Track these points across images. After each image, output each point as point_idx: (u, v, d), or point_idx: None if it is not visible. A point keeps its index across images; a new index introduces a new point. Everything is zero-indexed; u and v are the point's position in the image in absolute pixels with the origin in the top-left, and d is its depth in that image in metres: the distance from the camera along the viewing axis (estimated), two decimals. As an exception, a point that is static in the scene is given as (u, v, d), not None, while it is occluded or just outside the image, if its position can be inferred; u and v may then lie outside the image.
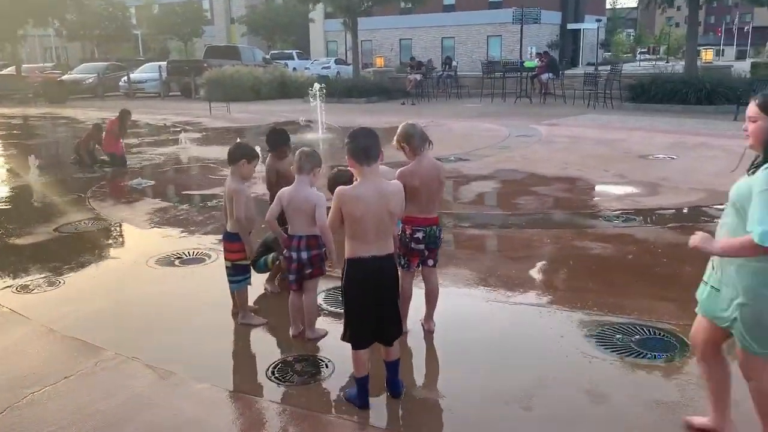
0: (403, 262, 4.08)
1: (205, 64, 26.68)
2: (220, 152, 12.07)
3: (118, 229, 6.94)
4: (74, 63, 39.11)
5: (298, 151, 3.98)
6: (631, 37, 79.64)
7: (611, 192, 8.19)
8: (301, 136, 14.36)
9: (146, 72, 29.04)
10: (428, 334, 4.18)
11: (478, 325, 4.31)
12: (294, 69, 31.92)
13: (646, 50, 78.52)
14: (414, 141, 3.96)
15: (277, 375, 3.66)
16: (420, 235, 4.02)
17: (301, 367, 3.75)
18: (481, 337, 4.12)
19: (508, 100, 21.21)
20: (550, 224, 6.74)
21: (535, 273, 5.24)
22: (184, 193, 8.71)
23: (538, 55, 23.31)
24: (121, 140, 10.85)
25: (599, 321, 4.25)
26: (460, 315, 4.45)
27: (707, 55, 20.91)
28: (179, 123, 16.98)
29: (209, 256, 5.80)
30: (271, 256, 4.62)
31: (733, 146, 11.21)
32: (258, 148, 4.48)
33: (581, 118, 16.04)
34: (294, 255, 3.93)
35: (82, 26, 41.45)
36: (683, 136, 12.59)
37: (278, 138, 5.00)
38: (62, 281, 5.26)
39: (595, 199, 7.74)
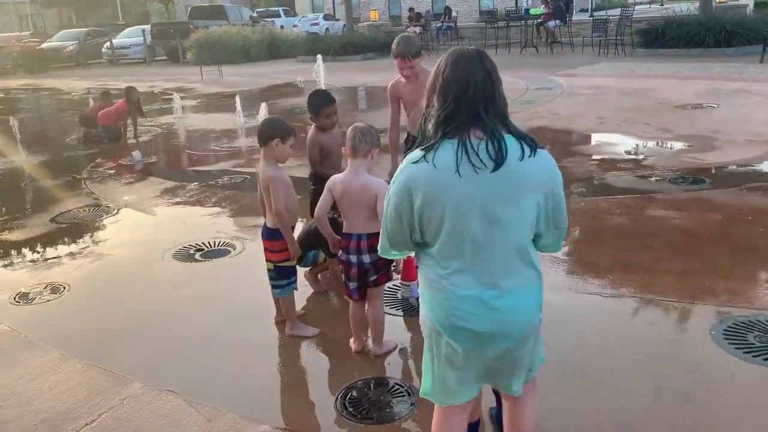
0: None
1: (192, 26, 25.38)
2: (222, 121, 11.22)
3: (123, 216, 6.13)
4: (52, 31, 37.44)
5: (350, 129, 3.19)
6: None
7: (663, 149, 7.42)
8: (302, 99, 13.47)
9: (129, 37, 27.63)
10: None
11: (570, 324, 3.58)
12: (282, 27, 30.63)
13: (638, -6, 76.59)
14: None
15: (350, 408, 2.94)
16: None
17: (377, 395, 3.02)
18: (578, 341, 3.40)
19: (513, 51, 20.20)
20: (609, 190, 5.98)
21: (618, 253, 4.49)
22: (190, 170, 7.88)
23: (544, 1, 22.18)
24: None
25: (721, 314, 3.53)
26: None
27: (721, -6, 19.85)
28: (171, 89, 15.94)
29: (234, 247, 5.04)
30: (320, 253, 3.88)
31: (773, 91, 10.45)
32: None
33: (597, 67, 15.15)
34: (353, 258, 3.18)
35: (58, -9, 39.60)
36: (715, 82, 11.76)
37: (322, 101, 4.12)
38: (67, 287, 4.48)
39: (649, 158, 6.97)
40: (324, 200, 3.20)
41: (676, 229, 4.85)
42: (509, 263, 1.98)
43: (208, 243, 5.14)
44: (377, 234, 3.15)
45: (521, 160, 1.92)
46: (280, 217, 3.36)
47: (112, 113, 9.70)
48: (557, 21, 20.16)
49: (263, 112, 9.29)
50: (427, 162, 1.92)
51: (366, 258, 3.15)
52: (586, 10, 42.19)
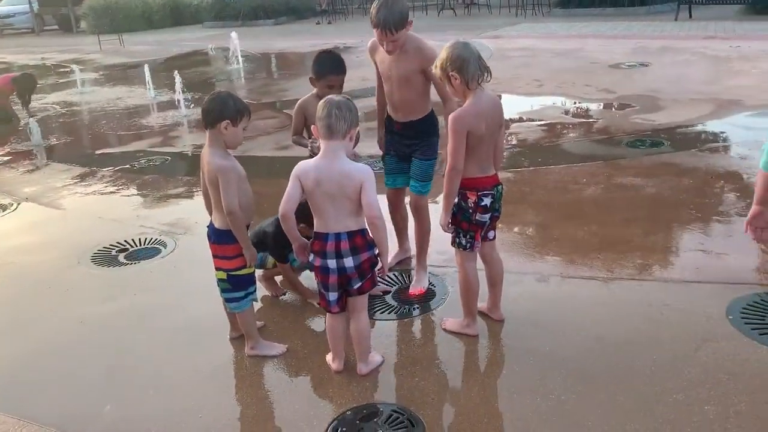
0: (464, 242, 2.89)
1: (84, -9, 23.25)
2: (130, 94, 10.17)
3: (25, 213, 5.22)
4: None
5: (323, 102, 2.56)
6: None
7: (610, 111, 7.16)
8: (218, 68, 12.50)
9: (12, 5, 25.08)
10: (499, 324, 3.12)
11: (563, 315, 3.16)
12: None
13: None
14: (470, 69, 2.68)
15: (343, 452, 2.39)
16: (488, 201, 2.84)
17: (372, 429, 2.48)
18: (580, 335, 2.98)
19: (430, 13, 19.72)
20: (570, 158, 5.62)
21: (602, 229, 4.11)
22: (100, 152, 6.93)
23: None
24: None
25: (729, 297, 3.20)
26: (534, 305, 3.30)
27: (631, -48, 19.99)
28: (66, 62, 14.45)
29: (164, 245, 4.32)
30: (268, 258, 3.27)
31: (698, 48, 10.50)
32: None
33: (519, 29, 14.91)
34: (332, 264, 2.59)
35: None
36: (640, 40, 11.74)
37: (330, 65, 3.32)
38: (-39, 307, 3.66)
39: (599, 120, 6.69)
40: (291, 192, 2.56)
41: (654, 199, 4.53)
42: None
43: (133, 241, 4.39)
44: (359, 232, 2.61)
45: None
46: (232, 216, 2.72)
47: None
48: (474, -18, 19.76)
49: (178, 83, 8.37)
50: None
51: (348, 262, 2.58)
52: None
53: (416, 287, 3.49)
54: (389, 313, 3.31)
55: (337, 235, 2.58)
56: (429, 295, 3.44)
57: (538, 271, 3.63)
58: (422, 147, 3.39)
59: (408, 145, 3.41)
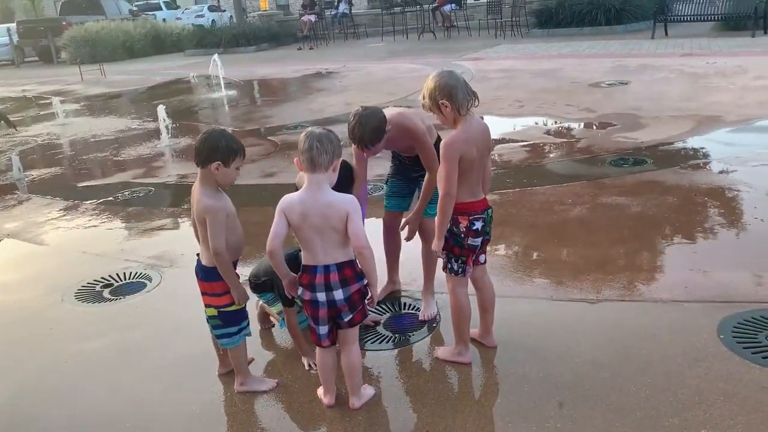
0: (456, 267, 2.88)
1: (64, 23, 23.29)
2: (111, 125, 10.12)
3: (6, 249, 5.14)
4: None
5: (304, 135, 2.54)
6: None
7: (592, 129, 7.23)
8: (200, 96, 12.49)
9: (-9, 37, 25.03)
10: (492, 350, 3.09)
11: (558, 338, 3.14)
12: (164, 20, 28.91)
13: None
14: (459, 96, 2.71)
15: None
16: (479, 225, 2.85)
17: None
18: (571, 360, 2.96)
19: (411, 37, 19.92)
20: (555, 178, 5.65)
21: (589, 250, 4.12)
22: (83, 185, 6.85)
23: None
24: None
25: (719, 315, 3.20)
26: (526, 329, 3.28)
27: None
28: (47, 93, 14.38)
29: (149, 279, 4.26)
30: (277, 302, 3.20)
31: (675, 65, 10.68)
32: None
33: (498, 50, 15.09)
34: (321, 297, 2.56)
35: None
36: (618, 59, 11.91)
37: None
38: (-60, 350, 3.57)
39: (582, 140, 6.73)
40: (277, 228, 2.53)
41: (639, 218, 4.55)
42: None
43: (118, 276, 4.32)
44: (348, 263, 2.59)
45: None
46: (218, 257, 2.66)
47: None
48: (453, 5, 20.02)
49: (161, 115, 8.34)
50: None
51: (338, 294, 2.55)
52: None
53: (426, 313, 3.45)
54: (380, 343, 3.27)
55: (326, 267, 2.55)
56: (420, 322, 3.41)
57: (529, 294, 3.62)
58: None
59: (417, 170, 3.40)
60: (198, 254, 2.86)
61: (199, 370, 3.14)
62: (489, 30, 18.58)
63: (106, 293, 4.12)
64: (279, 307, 3.16)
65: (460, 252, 2.88)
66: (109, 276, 4.32)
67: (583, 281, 3.67)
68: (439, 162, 2.78)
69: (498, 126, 7.79)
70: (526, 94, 9.42)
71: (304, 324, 2.99)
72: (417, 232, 3.42)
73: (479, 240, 2.89)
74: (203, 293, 2.84)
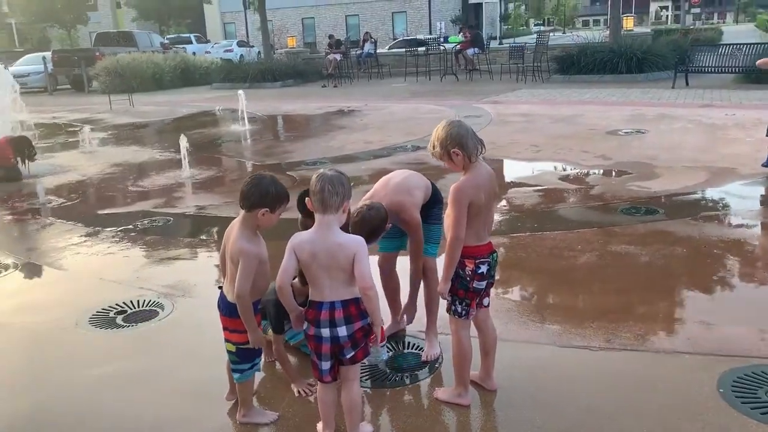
0: (460, 309, 2.95)
1: (98, 53, 24.04)
2: (136, 154, 10.39)
3: (26, 273, 5.28)
4: (-60, 57, 34.70)
5: (315, 177, 2.65)
6: (523, 9, 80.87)
7: (607, 177, 7.29)
8: (224, 129, 12.77)
9: (28, 64, 25.84)
10: (491, 394, 3.12)
11: (560, 385, 3.17)
12: (194, 53, 29.73)
13: (541, 23, 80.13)
14: (469, 145, 2.83)
15: None
16: (485, 268, 2.92)
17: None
18: (569, 406, 2.99)
19: (433, 79, 20.27)
20: (566, 224, 5.70)
21: (595, 298, 4.17)
22: (104, 212, 7.03)
23: (462, 29, 22.43)
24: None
25: (720, 369, 3.21)
26: (528, 374, 3.31)
27: (628, 22, 20.67)
28: (77, 121, 14.81)
29: (162, 307, 4.35)
30: (268, 328, 3.28)
31: (694, 116, 10.75)
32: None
33: (519, 94, 15.29)
34: (325, 332, 2.63)
35: (-54, 16, 36.88)
36: (637, 107, 12.02)
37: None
38: (-44, 369, 3.68)
39: (596, 187, 6.80)
40: (287, 265, 2.63)
41: (647, 267, 4.59)
42: None
43: (132, 303, 4.43)
44: (353, 301, 2.66)
45: None
46: (240, 300, 2.72)
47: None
48: (476, 49, 20.37)
49: (183, 147, 8.56)
50: None
51: (342, 331, 2.62)
52: (495, 38, 43.64)
53: (429, 353, 3.50)
54: (381, 381, 3.32)
55: (332, 304, 2.63)
56: (423, 362, 3.46)
57: (532, 339, 3.65)
58: (428, 215, 3.47)
59: None
60: (221, 287, 2.94)
61: (204, 399, 3.21)
62: (511, 74, 18.83)
63: (119, 320, 4.22)
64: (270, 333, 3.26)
65: (465, 295, 2.94)
66: (123, 303, 4.43)
67: (587, 328, 3.70)
68: (449, 206, 2.88)
69: (513, 170, 7.90)
70: (543, 139, 9.52)
71: (298, 338, 3.11)
72: (420, 273, 3.49)
73: (484, 283, 2.96)
74: (224, 328, 2.90)
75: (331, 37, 24.07)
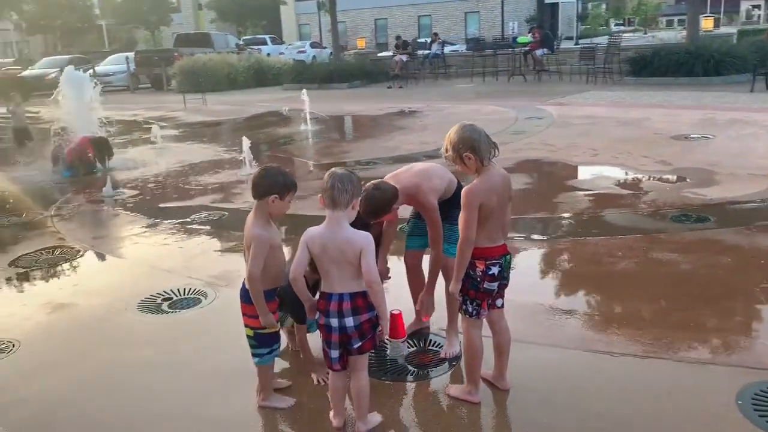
0: (471, 309, 3.00)
1: (176, 54, 25.12)
2: (202, 152, 10.85)
3: (89, 260, 5.66)
4: (37, 58, 37.11)
5: (328, 175, 2.79)
6: (603, 9, 78.57)
7: (663, 183, 7.10)
8: (289, 130, 13.13)
9: (113, 64, 27.32)
10: (504, 393, 3.17)
11: (569, 388, 3.17)
12: (268, 54, 30.52)
13: (621, 23, 77.69)
14: (481, 148, 2.88)
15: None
16: (496, 270, 2.95)
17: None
18: (579, 410, 2.99)
19: (501, 79, 20.11)
20: (610, 229, 5.62)
21: (627, 304, 4.11)
22: (166, 205, 7.42)
23: (531, 29, 22.15)
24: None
25: (743, 381, 3.13)
26: (542, 375, 3.32)
27: (708, 23, 19.84)
28: (152, 119, 15.57)
29: (205, 295, 4.60)
30: (287, 318, 3.43)
31: (769, 122, 10.25)
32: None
33: (586, 96, 14.98)
34: (334, 322, 2.76)
35: (42, 17, 39.38)
36: (709, 111, 11.56)
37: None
38: (17, 344, 4.01)
39: (649, 193, 6.64)
40: (300, 257, 2.79)
41: (687, 276, 4.49)
42: None
43: (178, 291, 4.70)
44: (360, 293, 2.78)
45: None
46: (250, 281, 2.91)
47: (76, 149, 9.36)
48: (545, 49, 20.07)
49: (245, 146, 8.89)
50: None
51: (349, 321, 2.75)
52: (571, 38, 42.69)
53: (448, 351, 3.58)
54: (400, 375, 3.41)
55: (341, 296, 2.76)
56: (441, 359, 3.53)
57: (554, 342, 3.66)
58: (449, 215, 3.54)
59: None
60: (243, 280, 3.12)
61: (230, 383, 3.40)
62: (581, 76, 18.46)
63: (165, 306, 4.49)
64: (290, 321, 3.42)
65: (476, 295, 3.00)
66: (171, 290, 4.71)
67: (611, 334, 3.68)
68: (461, 209, 2.94)
69: (566, 173, 7.80)
70: (603, 143, 9.33)
71: (312, 328, 3.27)
72: (439, 261, 3.55)
73: (495, 284, 3.01)
74: (243, 314, 3.09)
75: (398, 38, 24.23)
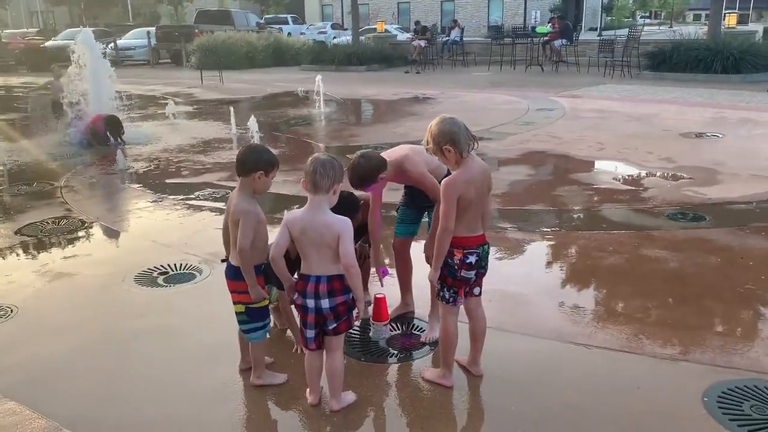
0: (448, 296, 3.10)
1: (196, 30, 25.25)
2: (213, 129, 10.98)
3: (93, 231, 5.82)
4: (61, 28, 37.42)
5: (310, 160, 2.88)
6: (630, 1, 77.39)
7: (664, 180, 7.10)
8: (301, 111, 13.21)
9: (134, 38, 27.55)
10: (476, 379, 3.27)
11: (540, 378, 3.26)
12: (289, 34, 30.57)
13: (647, 15, 76.52)
14: (461, 141, 2.95)
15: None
16: (473, 259, 3.04)
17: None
18: (548, 399, 3.08)
19: (518, 68, 20.04)
20: (605, 224, 5.67)
21: (609, 299, 4.19)
22: (173, 181, 7.56)
23: (551, 20, 21.98)
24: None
25: (715, 376, 3.21)
26: (516, 365, 3.41)
27: (731, 19, 19.55)
28: (168, 94, 15.72)
29: (200, 271, 4.73)
30: (273, 290, 3.55)
31: (783, 123, 10.16)
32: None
33: (602, 89, 14.89)
34: (310, 303, 2.87)
35: (67, -12, 39.58)
36: (721, 110, 11.48)
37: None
38: (15, 309, 4.18)
39: (649, 190, 6.66)
40: (280, 238, 2.89)
41: (673, 274, 4.53)
42: None
43: (174, 266, 4.84)
44: (337, 276, 2.89)
45: None
46: (242, 254, 3.01)
47: (90, 125, 9.55)
48: (564, 40, 19.93)
49: (253, 125, 9.00)
50: None
51: (325, 303, 2.85)
52: (595, 29, 42.18)
53: (429, 335, 3.68)
54: (379, 357, 3.52)
55: (318, 278, 2.86)
56: (421, 343, 3.64)
57: (529, 332, 3.73)
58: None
59: (426, 199, 3.65)
60: (223, 260, 3.23)
61: (219, 358, 3.52)
62: (599, 68, 18.34)
63: (160, 280, 4.63)
64: (276, 296, 3.51)
65: (453, 282, 3.09)
66: (168, 265, 4.84)
67: (589, 327, 3.75)
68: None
69: (569, 167, 7.83)
70: (610, 138, 9.33)
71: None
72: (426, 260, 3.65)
73: (472, 273, 3.09)
74: (232, 291, 3.18)
75: (417, 23, 24.17)
